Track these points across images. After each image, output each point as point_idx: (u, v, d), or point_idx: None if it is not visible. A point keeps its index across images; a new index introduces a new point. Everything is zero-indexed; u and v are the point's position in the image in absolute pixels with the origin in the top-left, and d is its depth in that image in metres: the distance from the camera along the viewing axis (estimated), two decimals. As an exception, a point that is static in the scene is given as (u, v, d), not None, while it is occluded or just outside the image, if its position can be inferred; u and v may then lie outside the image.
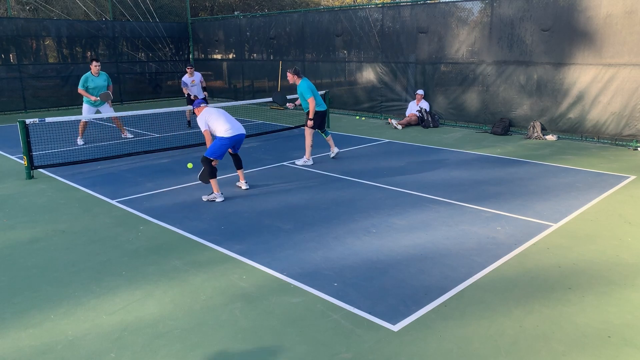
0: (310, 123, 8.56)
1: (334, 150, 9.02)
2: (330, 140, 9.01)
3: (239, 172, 7.27)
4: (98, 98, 10.39)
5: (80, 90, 10.26)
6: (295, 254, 4.93)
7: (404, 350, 3.39)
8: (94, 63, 10.39)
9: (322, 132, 9.00)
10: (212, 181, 6.70)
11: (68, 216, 6.15)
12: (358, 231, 5.51)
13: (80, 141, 10.71)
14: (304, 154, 8.85)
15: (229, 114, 6.93)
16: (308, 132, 8.64)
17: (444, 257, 4.82)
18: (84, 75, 10.30)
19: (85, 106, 10.45)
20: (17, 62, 15.46)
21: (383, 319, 3.76)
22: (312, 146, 8.69)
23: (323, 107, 8.71)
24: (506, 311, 3.87)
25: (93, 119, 12.70)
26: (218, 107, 6.88)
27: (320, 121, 8.78)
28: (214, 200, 6.70)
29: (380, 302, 4.01)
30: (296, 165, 8.61)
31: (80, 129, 10.74)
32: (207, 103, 7.76)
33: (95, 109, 10.46)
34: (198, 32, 19.16)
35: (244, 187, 7.28)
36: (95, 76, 10.34)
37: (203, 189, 7.17)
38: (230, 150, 7.04)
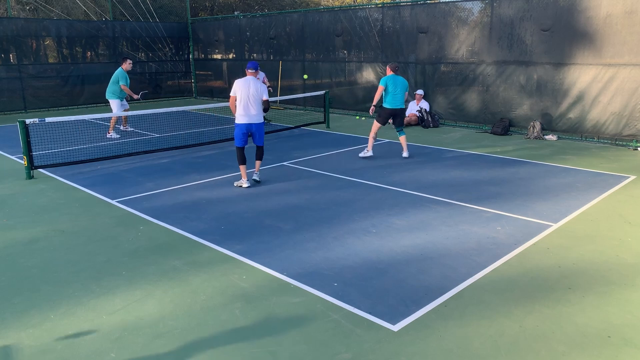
0: (371, 109, 8.84)
1: (404, 153, 9.05)
2: (403, 141, 9.04)
3: (256, 163, 7.47)
4: (139, 97, 11.25)
5: (123, 86, 10.87)
6: (295, 254, 4.93)
7: (404, 350, 3.39)
8: (129, 61, 11.08)
9: (398, 131, 9.10)
10: (241, 167, 7.18)
11: (68, 216, 6.15)
12: (358, 231, 5.51)
13: (115, 134, 11.25)
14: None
15: (255, 94, 6.96)
16: (374, 125, 8.95)
17: (444, 257, 4.82)
18: (121, 73, 10.88)
19: (116, 101, 11.02)
20: (17, 62, 15.46)
21: (383, 319, 3.76)
22: (374, 138, 8.99)
23: (391, 105, 8.73)
24: (506, 311, 3.87)
25: (93, 119, 12.82)
26: (255, 83, 6.98)
27: (389, 118, 8.88)
28: (241, 186, 7.17)
29: (380, 302, 4.01)
30: (359, 156, 9.04)
31: (112, 123, 11.31)
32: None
33: (122, 104, 11.19)
34: (198, 32, 19.15)
35: (253, 177, 7.43)
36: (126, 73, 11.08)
37: (203, 189, 7.18)
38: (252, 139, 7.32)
